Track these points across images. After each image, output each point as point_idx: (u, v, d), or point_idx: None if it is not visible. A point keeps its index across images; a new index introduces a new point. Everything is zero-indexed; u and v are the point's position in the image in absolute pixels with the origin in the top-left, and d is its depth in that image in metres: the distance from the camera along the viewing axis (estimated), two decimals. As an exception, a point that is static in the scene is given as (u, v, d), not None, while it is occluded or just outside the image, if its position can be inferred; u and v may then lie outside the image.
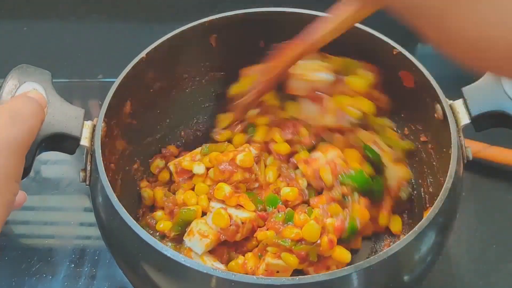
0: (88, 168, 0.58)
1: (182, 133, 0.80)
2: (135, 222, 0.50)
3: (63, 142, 0.57)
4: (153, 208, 0.72)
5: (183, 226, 0.65)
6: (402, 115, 0.72)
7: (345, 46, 0.72)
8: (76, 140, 0.57)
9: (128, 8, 1.11)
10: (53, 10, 1.11)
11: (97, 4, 1.12)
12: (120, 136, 0.67)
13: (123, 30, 1.08)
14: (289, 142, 0.73)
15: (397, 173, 0.68)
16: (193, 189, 0.70)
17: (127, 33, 1.07)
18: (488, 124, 0.59)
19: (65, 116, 0.56)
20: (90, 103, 0.96)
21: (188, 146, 0.79)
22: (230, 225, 0.62)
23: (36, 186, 0.83)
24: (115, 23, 1.10)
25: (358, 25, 0.69)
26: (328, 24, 0.62)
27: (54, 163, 0.86)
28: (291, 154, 0.73)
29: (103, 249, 0.75)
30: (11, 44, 1.06)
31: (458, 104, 0.59)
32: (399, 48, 0.66)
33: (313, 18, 0.70)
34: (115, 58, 0.95)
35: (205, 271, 0.46)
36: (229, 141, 0.75)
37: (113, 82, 0.63)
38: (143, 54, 0.66)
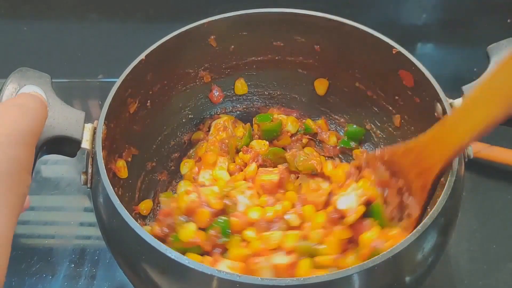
0: (90, 170, 0.58)
1: (185, 138, 0.80)
2: (138, 225, 0.50)
3: (64, 145, 0.57)
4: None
5: None
6: (402, 115, 0.72)
7: (345, 46, 0.72)
8: (77, 143, 0.57)
9: (128, 8, 1.11)
10: (53, 10, 1.11)
11: (97, 4, 1.12)
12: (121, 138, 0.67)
13: (123, 30, 1.08)
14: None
15: None
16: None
17: (127, 33, 1.07)
18: (489, 123, 0.59)
19: (65, 119, 0.56)
20: (90, 103, 0.96)
21: (188, 148, 0.79)
22: None
23: (36, 186, 0.83)
24: (115, 23, 1.10)
25: (358, 25, 0.69)
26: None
27: (54, 163, 0.86)
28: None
29: (103, 249, 0.75)
30: (11, 44, 1.06)
31: (459, 102, 0.59)
32: (398, 47, 0.66)
33: (312, 18, 0.71)
34: (115, 58, 0.96)
35: (209, 273, 0.46)
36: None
37: (113, 82, 0.63)
38: (142, 56, 0.66)
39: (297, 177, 0.75)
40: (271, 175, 0.68)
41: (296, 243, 0.57)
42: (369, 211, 0.59)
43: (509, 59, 0.43)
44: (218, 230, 0.60)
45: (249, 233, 0.61)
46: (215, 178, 0.71)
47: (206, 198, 0.62)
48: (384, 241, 0.54)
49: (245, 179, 0.70)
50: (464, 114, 0.48)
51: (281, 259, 0.56)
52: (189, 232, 0.60)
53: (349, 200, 0.59)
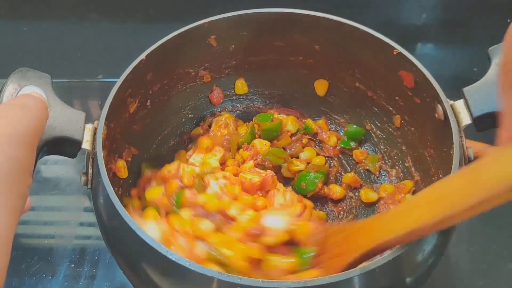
0: (90, 171, 0.58)
1: (185, 137, 0.80)
2: (138, 226, 0.50)
3: (64, 145, 0.56)
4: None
5: None
6: (402, 115, 0.72)
7: (345, 46, 0.72)
8: (77, 143, 0.57)
9: (128, 8, 1.11)
10: (53, 10, 1.11)
11: (97, 4, 1.11)
12: (121, 138, 0.67)
13: (123, 30, 1.08)
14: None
15: None
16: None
17: (127, 33, 1.07)
18: (489, 124, 0.59)
19: (66, 119, 0.56)
20: (90, 103, 0.96)
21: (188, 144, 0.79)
22: None
23: (36, 186, 0.83)
24: (115, 23, 1.10)
25: (358, 25, 0.69)
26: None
27: (54, 163, 0.86)
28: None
29: (103, 249, 0.75)
30: (11, 44, 1.06)
31: (459, 104, 0.59)
32: (399, 48, 0.66)
33: (312, 18, 0.71)
34: (115, 58, 0.96)
35: (209, 275, 0.46)
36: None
37: (113, 82, 0.63)
38: (143, 56, 0.66)
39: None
40: (254, 176, 0.68)
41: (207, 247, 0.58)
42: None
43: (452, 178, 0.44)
44: (174, 199, 0.64)
45: (184, 212, 0.62)
46: (204, 163, 0.72)
47: (182, 173, 0.65)
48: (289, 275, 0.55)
49: (235, 174, 0.71)
50: (401, 211, 0.48)
51: (200, 251, 0.57)
52: (154, 193, 0.65)
53: (276, 221, 0.59)
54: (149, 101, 0.72)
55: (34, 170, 0.52)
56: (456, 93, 0.60)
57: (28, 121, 0.45)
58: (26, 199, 0.43)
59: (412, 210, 0.46)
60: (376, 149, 0.78)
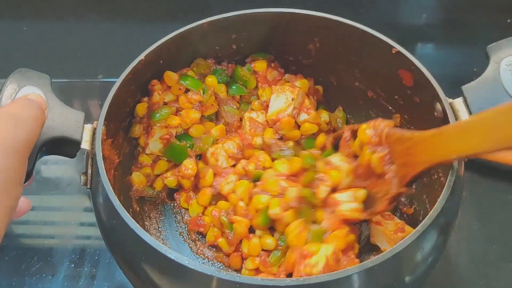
0: (89, 171, 0.58)
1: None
2: (138, 225, 0.50)
3: (63, 145, 0.57)
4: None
5: None
6: (402, 114, 0.72)
7: (345, 46, 0.72)
8: (76, 143, 0.57)
9: (128, 8, 1.11)
10: (53, 10, 1.11)
11: (97, 4, 1.12)
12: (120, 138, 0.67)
13: (123, 30, 1.08)
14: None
15: None
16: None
17: (127, 33, 1.07)
18: (488, 121, 0.59)
19: (65, 119, 0.56)
20: (90, 103, 0.96)
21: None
22: None
23: (36, 186, 0.83)
24: (115, 23, 1.10)
25: (358, 25, 0.69)
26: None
27: (54, 163, 0.86)
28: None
29: (103, 249, 0.75)
30: (11, 44, 1.06)
31: (458, 102, 0.59)
32: (398, 47, 0.66)
33: (312, 18, 0.71)
34: (115, 58, 0.96)
35: (209, 273, 0.46)
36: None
37: (113, 82, 0.63)
38: (142, 56, 0.66)
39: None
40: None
41: None
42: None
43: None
44: None
45: None
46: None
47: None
48: None
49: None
50: (459, 135, 0.50)
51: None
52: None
53: None
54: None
55: (32, 171, 0.52)
56: (456, 93, 0.60)
57: (20, 131, 0.44)
58: (14, 210, 0.43)
59: (471, 135, 0.48)
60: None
